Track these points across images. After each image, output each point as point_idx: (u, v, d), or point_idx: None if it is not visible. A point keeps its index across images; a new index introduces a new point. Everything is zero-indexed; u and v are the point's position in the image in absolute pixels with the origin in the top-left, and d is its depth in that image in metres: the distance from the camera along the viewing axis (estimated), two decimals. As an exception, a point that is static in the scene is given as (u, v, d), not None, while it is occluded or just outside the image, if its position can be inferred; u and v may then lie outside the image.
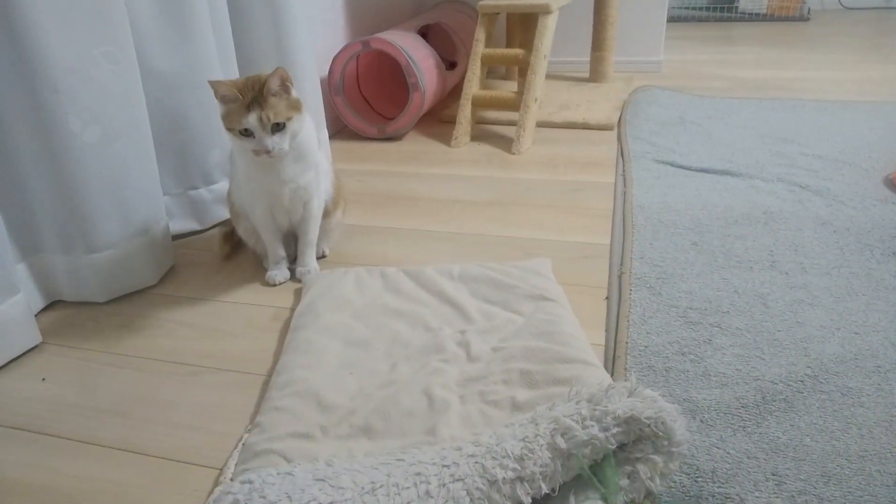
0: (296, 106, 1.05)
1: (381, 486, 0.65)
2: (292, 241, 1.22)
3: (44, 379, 0.96)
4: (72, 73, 1.02)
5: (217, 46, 1.33)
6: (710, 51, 3.11)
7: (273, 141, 1.02)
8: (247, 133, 1.02)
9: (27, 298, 1.04)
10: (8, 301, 0.98)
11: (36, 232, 1.11)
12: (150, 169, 1.18)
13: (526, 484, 0.64)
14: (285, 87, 1.04)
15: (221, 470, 0.77)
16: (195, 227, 1.39)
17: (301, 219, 1.17)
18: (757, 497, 0.68)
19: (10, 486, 0.77)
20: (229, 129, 1.04)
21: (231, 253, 1.32)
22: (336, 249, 1.30)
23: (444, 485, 0.64)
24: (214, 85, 1.02)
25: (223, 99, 1.03)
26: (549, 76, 2.56)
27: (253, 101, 1.01)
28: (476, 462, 0.66)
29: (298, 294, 1.15)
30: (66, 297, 1.15)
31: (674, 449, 0.67)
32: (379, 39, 1.85)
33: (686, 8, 4.23)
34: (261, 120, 1.01)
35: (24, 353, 1.02)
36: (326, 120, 1.80)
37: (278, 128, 1.03)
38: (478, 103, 1.92)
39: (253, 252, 1.26)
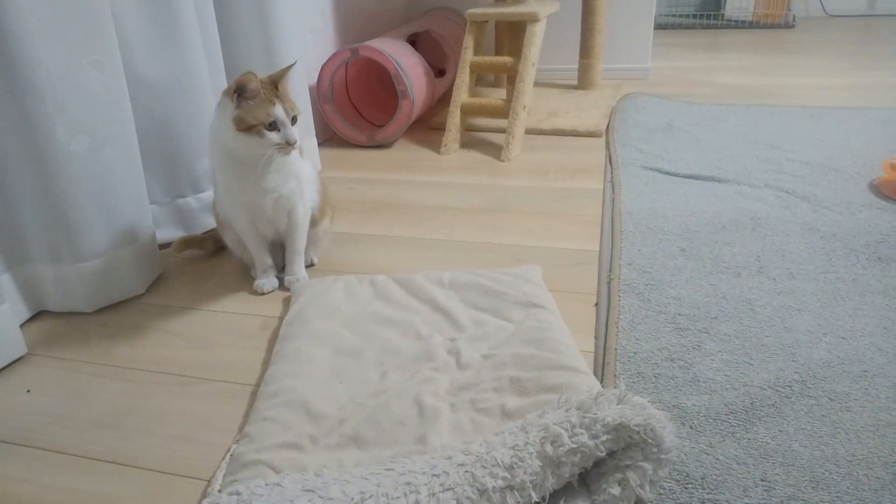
0: None
1: (370, 497, 0.65)
2: (280, 249, 1.22)
3: (28, 391, 0.95)
4: (59, 82, 1.01)
5: (205, 55, 1.33)
6: (698, 58, 3.14)
7: (295, 133, 1.05)
8: (272, 127, 1.03)
9: (12, 308, 1.03)
10: (-7, 312, 0.97)
11: (22, 241, 1.10)
12: (136, 177, 1.17)
13: (516, 493, 0.64)
14: None
15: (209, 481, 0.76)
16: (182, 235, 1.38)
17: (286, 227, 1.17)
18: (746, 503, 0.69)
19: (-6, 499, 0.76)
20: (249, 127, 1.02)
21: (210, 254, 1.33)
22: (325, 258, 1.30)
23: (433, 494, 0.64)
24: (247, 78, 1.01)
25: (250, 94, 1.02)
26: (537, 84, 2.57)
27: (273, 96, 1.03)
28: (466, 471, 0.66)
29: (287, 303, 1.14)
30: (52, 307, 1.14)
31: (663, 456, 0.67)
32: (367, 47, 1.85)
33: (673, 15, 4.27)
34: (286, 112, 1.03)
35: (8, 365, 1.00)
36: (315, 127, 1.80)
37: (294, 121, 1.05)
38: (467, 111, 1.93)
39: (240, 261, 1.26)
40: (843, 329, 0.97)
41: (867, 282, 1.10)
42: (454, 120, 1.91)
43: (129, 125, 1.15)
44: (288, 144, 1.04)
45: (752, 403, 0.82)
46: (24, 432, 0.86)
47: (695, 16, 4.19)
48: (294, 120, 1.05)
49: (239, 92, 1.02)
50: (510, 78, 1.98)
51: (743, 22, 4.03)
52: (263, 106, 1.02)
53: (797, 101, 2.26)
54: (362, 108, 2.12)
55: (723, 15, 4.10)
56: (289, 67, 1.06)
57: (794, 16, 3.99)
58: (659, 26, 3.98)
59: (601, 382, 0.88)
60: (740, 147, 1.79)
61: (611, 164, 1.73)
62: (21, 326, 1.09)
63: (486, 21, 1.97)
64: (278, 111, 1.02)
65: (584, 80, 2.45)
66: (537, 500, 0.65)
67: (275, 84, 1.04)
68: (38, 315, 1.14)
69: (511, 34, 2.14)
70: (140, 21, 1.21)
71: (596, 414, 0.68)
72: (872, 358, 0.90)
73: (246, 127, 1.02)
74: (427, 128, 2.15)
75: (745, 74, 2.72)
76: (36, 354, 1.04)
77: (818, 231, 1.28)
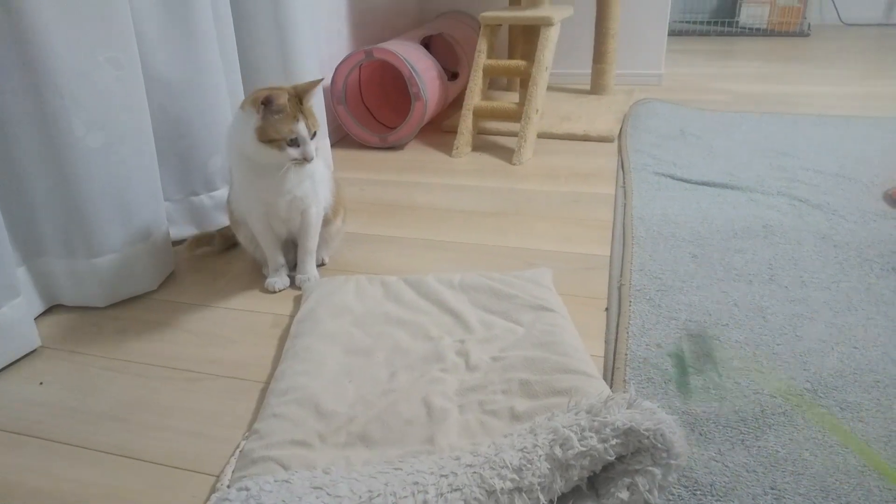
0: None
1: (378, 495, 0.65)
2: (292, 248, 1.23)
3: (41, 383, 0.96)
4: (77, 79, 1.02)
5: (221, 54, 1.34)
6: (711, 65, 3.13)
7: (313, 149, 1.06)
8: (293, 143, 1.03)
9: (27, 302, 1.04)
10: (8, 304, 0.98)
11: (37, 235, 1.11)
12: (151, 174, 1.18)
13: (524, 495, 0.64)
14: None
15: (219, 476, 0.76)
16: (195, 232, 1.39)
17: (300, 227, 1.17)
18: (755, 511, 0.68)
19: (6, 489, 0.76)
20: (271, 140, 1.02)
21: (220, 252, 1.35)
22: (336, 258, 1.30)
23: (441, 494, 0.64)
24: (275, 95, 1.00)
25: (275, 109, 1.02)
26: (550, 88, 2.57)
27: (298, 111, 1.03)
28: (474, 472, 0.66)
29: (298, 301, 1.15)
30: (66, 301, 1.15)
31: (672, 461, 0.67)
32: (382, 49, 1.86)
33: (687, 22, 4.26)
34: (308, 129, 1.04)
35: (22, 357, 1.01)
36: (328, 128, 1.81)
37: (313, 136, 1.06)
38: (479, 114, 1.93)
39: (253, 259, 1.26)
40: (856, 339, 0.96)
41: (880, 291, 1.09)
42: (466, 123, 1.91)
43: (145, 122, 1.16)
44: (305, 160, 1.05)
45: (762, 411, 0.82)
46: (35, 424, 0.87)
47: (709, 22, 4.18)
48: (314, 135, 1.06)
49: (266, 104, 1.02)
50: (523, 82, 1.98)
51: (757, 29, 4.01)
52: (287, 122, 1.02)
53: (811, 109, 2.25)
54: (375, 109, 2.13)
55: (737, 22, 4.08)
56: (316, 82, 1.06)
57: (809, 24, 3.97)
58: (673, 32, 3.97)
59: (611, 387, 0.88)
60: (753, 154, 1.78)
61: (623, 169, 1.72)
62: (35, 319, 1.10)
63: (500, 25, 1.98)
64: (301, 128, 1.03)
65: (597, 85, 2.45)
66: (545, 502, 0.65)
67: (300, 98, 1.04)
68: (52, 309, 1.15)
69: (525, 38, 2.15)
70: (157, 19, 1.22)
71: (606, 418, 0.68)
72: (885, 368, 0.90)
73: (268, 139, 1.03)
74: (439, 130, 2.15)
75: (758, 82, 2.71)
76: (49, 347, 1.04)
77: (831, 240, 1.27)
